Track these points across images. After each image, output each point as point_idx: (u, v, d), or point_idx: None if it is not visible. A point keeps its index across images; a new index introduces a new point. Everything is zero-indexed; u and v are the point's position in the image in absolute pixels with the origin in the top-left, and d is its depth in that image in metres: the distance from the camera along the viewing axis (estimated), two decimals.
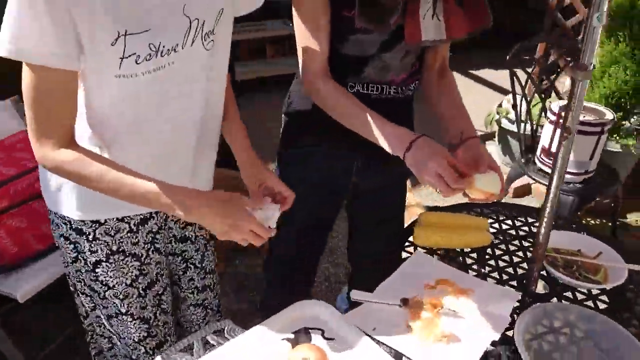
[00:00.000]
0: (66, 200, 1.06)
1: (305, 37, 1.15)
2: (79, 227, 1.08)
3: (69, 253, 1.13)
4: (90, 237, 1.09)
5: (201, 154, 1.12)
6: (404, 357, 1.02)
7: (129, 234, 1.12)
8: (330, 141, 1.32)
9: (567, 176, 2.21)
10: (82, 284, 1.19)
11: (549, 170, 1.61)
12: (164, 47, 0.89)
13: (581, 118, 2.15)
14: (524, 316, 1.07)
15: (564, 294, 1.23)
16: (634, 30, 2.54)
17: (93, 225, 1.08)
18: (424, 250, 1.36)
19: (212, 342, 1.06)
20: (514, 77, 2.35)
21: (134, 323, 1.20)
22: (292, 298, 1.14)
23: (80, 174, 0.91)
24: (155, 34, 0.87)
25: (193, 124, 1.06)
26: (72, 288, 1.25)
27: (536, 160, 2.35)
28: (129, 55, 0.86)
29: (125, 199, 0.94)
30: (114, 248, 1.11)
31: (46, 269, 1.66)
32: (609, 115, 2.18)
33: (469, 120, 1.27)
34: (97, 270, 1.12)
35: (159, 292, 1.23)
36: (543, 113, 2.59)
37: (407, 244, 1.39)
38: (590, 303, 1.20)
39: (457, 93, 1.31)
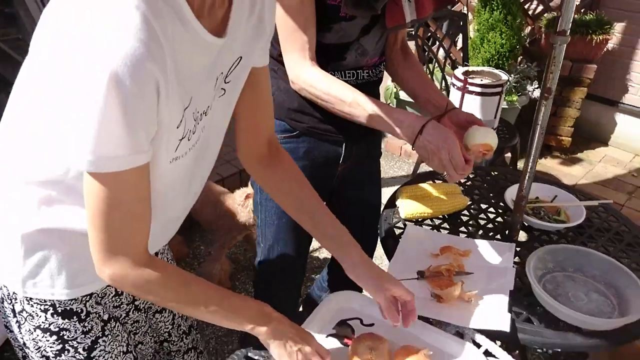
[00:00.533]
0: (51, 282, 0.84)
1: (293, 30, 1.13)
2: (68, 307, 0.88)
3: (50, 347, 0.89)
4: (83, 314, 0.90)
5: None
6: (447, 324, 1.07)
7: (113, 298, 0.97)
8: (313, 133, 1.31)
9: None
10: None
11: None
12: (199, 112, 0.78)
13: (480, 82, 2.40)
14: (530, 261, 1.18)
15: (541, 237, 1.39)
16: None
17: (84, 299, 0.90)
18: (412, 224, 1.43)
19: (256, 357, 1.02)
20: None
21: None
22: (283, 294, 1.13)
23: (165, 293, 0.81)
24: (195, 100, 0.76)
25: (202, 183, 0.98)
26: None
27: None
28: (185, 134, 0.76)
29: (214, 313, 0.84)
30: (105, 317, 0.94)
31: None
32: (504, 76, 2.43)
33: (439, 90, 1.36)
34: (93, 353, 0.92)
35: (149, 351, 1.11)
36: (443, 82, 2.82)
37: (395, 220, 1.44)
38: (563, 241, 1.37)
39: (421, 67, 1.38)
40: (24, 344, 0.91)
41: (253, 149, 1.04)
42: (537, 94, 3.03)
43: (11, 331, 0.94)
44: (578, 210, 1.43)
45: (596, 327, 1.08)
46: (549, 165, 3.37)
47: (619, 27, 3.20)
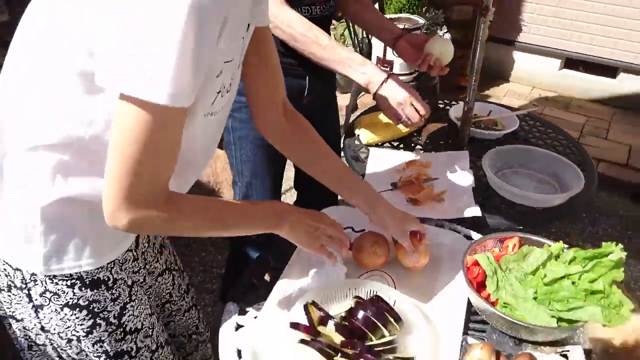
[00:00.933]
0: (76, 255, 0.82)
1: None
2: (95, 277, 0.85)
3: (80, 325, 0.86)
4: (110, 281, 0.88)
5: None
6: (428, 220, 1.21)
7: (132, 263, 0.95)
8: None
9: (403, 77, 2.61)
10: None
11: None
12: (231, 71, 0.80)
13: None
14: (484, 160, 1.36)
15: (484, 144, 1.57)
16: None
17: (109, 266, 0.88)
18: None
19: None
20: None
21: (166, 351, 1.03)
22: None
23: (185, 224, 0.80)
24: (234, 57, 0.77)
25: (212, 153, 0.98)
26: None
27: None
28: (220, 89, 0.76)
29: (232, 226, 0.87)
30: (129, 282, 0.93)
31: None
32: (420, 20, 2.61)
33: (391, 21, 1.50)
34: (123, 319, 0.91)
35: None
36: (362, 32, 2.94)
37: (357, 145, 1.55)
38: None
39: (370, 1, 1.50)
40: (43, 328, 0.86)
41: (272, 118, 1.04)
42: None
43: (18, 320, 0.88)
44: (511, 120, 1.64)
45: (547, 204, 1.27)
46: None
47: None
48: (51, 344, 0.89)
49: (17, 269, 0.81)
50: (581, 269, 0.93)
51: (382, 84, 1.28)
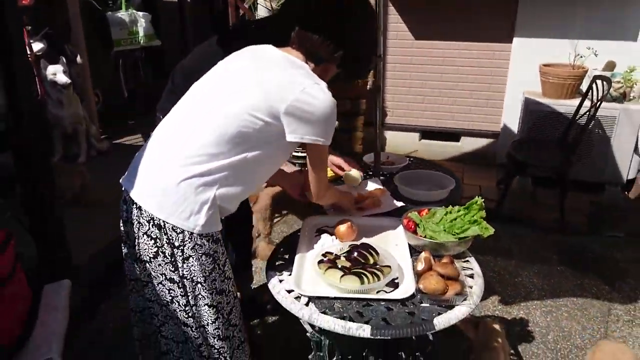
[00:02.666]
0: (209, 220, 1.36)
1: None
2: (216, 237, 1.41)
3: (206, 266, 1.39)
4: (221, 241, 1.43)
5: None
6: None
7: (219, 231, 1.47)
8: None
9: None
10: (211, 295, 1.42)
11: None
12: None
13: None
14: (395, 181, 2.15)
15: (388, 177, 2.39)
16: None
17: (219, 231, 1.42)
18: None
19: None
20: None
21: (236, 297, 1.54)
22: None
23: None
24: None
25: None
26: (186, 309, 1.45)
27: None
28: None
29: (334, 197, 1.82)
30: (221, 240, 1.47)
31: None
32: None
33: None
34: (224, 267, 1.45)
35: None
36: None
37: None
38: None
39: None
40: (183, 275, 1.39)
41: None
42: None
43: (174, 270, 1.39)
44: (402, 160, 2.49)
45: (438, 197, 2.09)
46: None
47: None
48: (182, 288, 1.42)
49: (182, 231, 1.36)
50: (464, 212, 1.72)
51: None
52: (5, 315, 1.65)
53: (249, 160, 1.40)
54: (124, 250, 1.54)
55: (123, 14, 5.12)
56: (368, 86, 4.40)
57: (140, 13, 5.24)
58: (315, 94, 1.37)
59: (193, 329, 1.47)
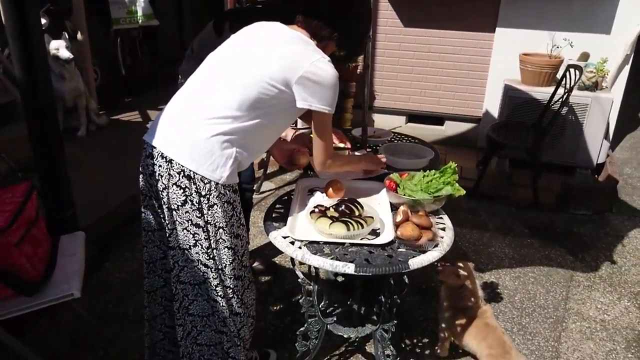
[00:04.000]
0: (232, 173, 1.58)
1: None
2: (234, 187, 1.62)
3: (227, 213, 1.61)
4: (238, 192, 1.66)
5: None
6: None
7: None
8: None
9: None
10: (230, 239, 1.63)
11: None
12: None
13: None
14: (380, 151, 2.39)
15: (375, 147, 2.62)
16: None
17: (236, 183, 1.65)
18: None
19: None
20: None
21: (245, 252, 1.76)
22: None
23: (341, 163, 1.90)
24: None
25: None
26: (207, 251, 1.64)
27: None
28: None
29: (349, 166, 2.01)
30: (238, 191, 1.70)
31: None
32: None
33: None
34: (241, 215, 1.68)
35: None
36: None
37: None
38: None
39: None
40: (208, 221, 1.59)
41: None
42: None
43: (200, 216, 1.57)
44: (387, 134, 2.73)
45: (419, 165, 2.32)
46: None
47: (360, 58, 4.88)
48: (206, 232, 1.62)
49: (209, 182, 1.55)
50: (439, 175, 1.96)
51: None
52: (34, 254, 1.86)
53: (263, 123, 1.62)
54: (144, 203, 1.74)
55: None
56: (358, 70, 4.61)
57: None
58: (323, 66, 1.59)
59: (212, 269, 1.67)
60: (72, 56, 4.23)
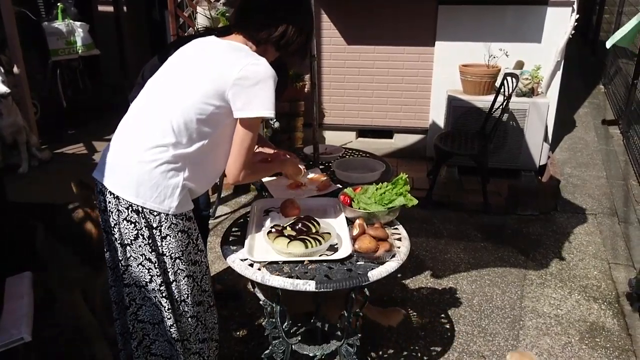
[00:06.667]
0: (181, 202, 1.55)
1: None
2: (188, 215, 1.60)
3: (182, 242, 1.58)
4: (193, 218, 1.64)
5: None
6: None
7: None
8: None
9: None
10: (187, 267, 1.61)
11: None
12: None
13: None
14: (334, 167, 2.41)
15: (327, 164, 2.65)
16: None
17: (190, 210, 1.62)
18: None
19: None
20: None
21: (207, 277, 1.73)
22: None
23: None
24: None
25: None
26: (161, 288, 1.59)
27: None
28: None
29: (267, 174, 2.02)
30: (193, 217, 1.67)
31: None
32: None
33: None
34: (197, 242, 1.66)
35: None
36: None
37: None
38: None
39: None
40: (163, 253, 1.56)
41: None
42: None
43: (153, 250, 1.54)
44: (338, 150, 2.76)
45: (371, 179, 2.36)
46: None
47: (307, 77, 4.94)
48: (160, 266, 1.58)
49: (159, 213, 1.53)
50: (391, 187, 2.00)
51: None
52: None
53: (208, 147, 1.57)
54: (106, 240, 1.68)
55: (60, 24, 5.13)
56: (306, 89, 4.66)
57: (78, 23, 5.27)
58: (254, 68, 1.50)
59: (169, 305, 1.62)
60: (8, 91, 4.07)
